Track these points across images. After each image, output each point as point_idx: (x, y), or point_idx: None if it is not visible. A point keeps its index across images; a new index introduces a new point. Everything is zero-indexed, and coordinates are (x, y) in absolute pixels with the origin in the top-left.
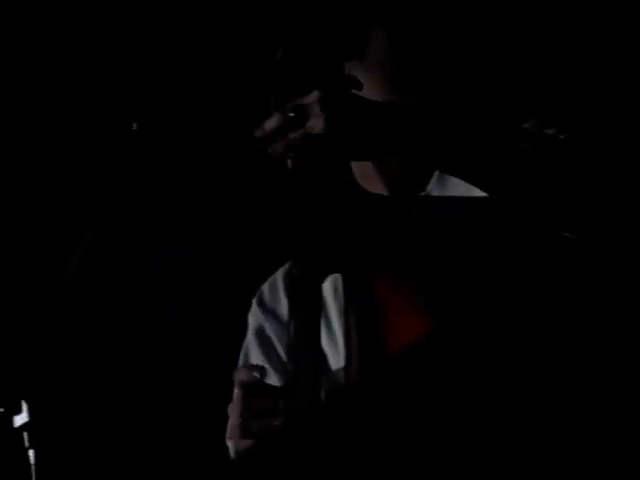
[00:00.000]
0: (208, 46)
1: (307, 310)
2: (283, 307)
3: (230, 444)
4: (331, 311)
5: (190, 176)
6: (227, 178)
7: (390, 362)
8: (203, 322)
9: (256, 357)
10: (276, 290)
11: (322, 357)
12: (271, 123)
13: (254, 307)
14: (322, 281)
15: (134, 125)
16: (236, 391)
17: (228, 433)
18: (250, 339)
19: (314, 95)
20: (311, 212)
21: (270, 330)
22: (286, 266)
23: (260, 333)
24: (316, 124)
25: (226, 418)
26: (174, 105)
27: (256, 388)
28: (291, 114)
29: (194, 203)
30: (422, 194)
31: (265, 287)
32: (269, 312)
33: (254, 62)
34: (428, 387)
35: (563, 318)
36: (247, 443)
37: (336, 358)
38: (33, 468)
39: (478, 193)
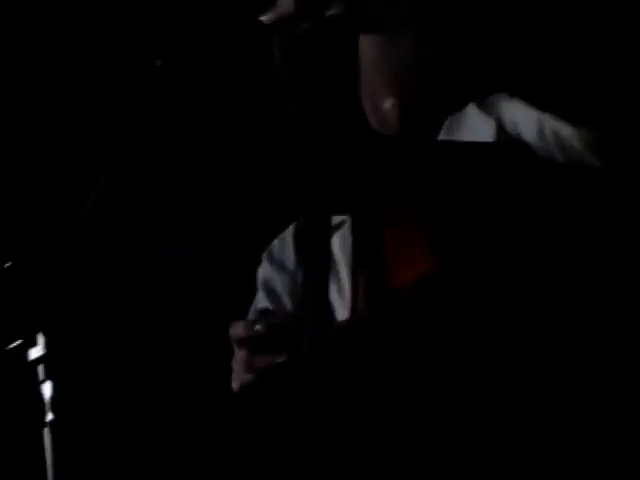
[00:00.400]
0: (208, 46)
1: (315, 260)
2: (290, 261)
3: (235, 384)
4: (339, 263)
5: (190, 176)
6: (227, 178)
7: (392, 300)
8: (203, 322)
9: (260, 307)
10: (285, 245)
11: (329, 308)
12: (282, 9)
13: (263, 262)
14: (330, 229)
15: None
16: (242, 332)
17: (233, 375)
18: (259, 293)
19: None
20: (318, 154)
21: (277, 282)
22: (294, 225)
23: (267, 285)
24: None
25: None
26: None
27: (263, 328)
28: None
29: (194, 203)
30: (434, 138)
31: (275, 242)
32: (277, 265)
33: (254, 62)
34: (430, 326)
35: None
36: (250, 377)
37: (344, 311)
38: (48, 401)
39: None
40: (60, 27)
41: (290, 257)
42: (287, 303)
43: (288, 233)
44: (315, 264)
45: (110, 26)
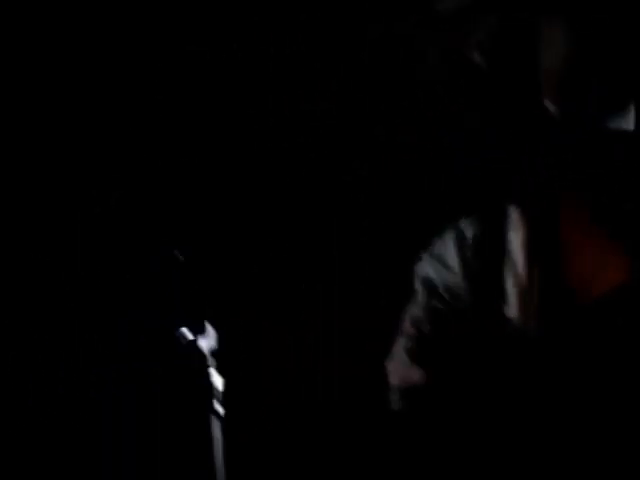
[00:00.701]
0: (208, 47)
1: (490, 251)
2: (450, 255)
3: (394, 376)
4: (517, 256)
5: (191, 176)
6: (227, 179)
7: (577, 311)
8: (203, 322)
9: (421, 303)
10: (445, 241)
11: (504, 299)
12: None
13: (424, 258)
14: (505, 222)
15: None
16: (406, 325)
17: (392, 366)
18: (417, 286)
19: None
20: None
21: (435, 276)
22: (456, 225)
23: (425, 280)
24: None
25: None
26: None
27: (429, 319)
28: None
29: (194, 203)
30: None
31: (436, 241)
32: (435, 260)
33: (254, 62)
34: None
35: None
36: (417, 373)
37: (518, 303)
38: (219, 393)
39: None
40: (60, 27)
41: (450, 254)
42: (446, 298)
43: (449, 234)
44: (491, 255)
45: (111, 26)
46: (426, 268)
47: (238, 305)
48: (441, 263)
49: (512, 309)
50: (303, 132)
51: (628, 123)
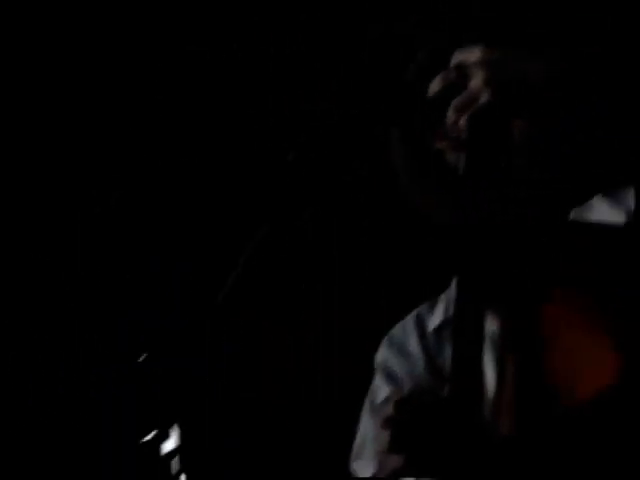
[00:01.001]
0: (208, 47)
1: (469, 337)
2: (412, 345)
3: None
4: (490, 341)
5: (190, 176)
6: (227, 179)
7: (567, 414)
8: (203, 322)
9: (382, 391)
10: (405, 330)
11: (481, 385)
12: (434, 87)
13: (382, 347)
14: (484, 307)
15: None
16: (392, 413)
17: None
18: (377, 376)
19: (475, 54)
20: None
21: (397, 366)
22: (416, 311)
23: (387, 369)
24: (476, 85)
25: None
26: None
27: (404, 404)
28: (453, 74)
29: (194, 203)
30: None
31: (395, 329)
32: (396, 349)
33: (254, 63)
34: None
35: None
36: (396, 460)
37: (491, 393)
38: None
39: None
40: (60, 27)
41: (412, 341)
42: (408, 387)
43: (409, 320)
44: (468, 338)
45: (111, 26)
46: (386, 357)
47: (238, 305)
48: (402, 353)
49: (485, 407)
50: (303, 132)
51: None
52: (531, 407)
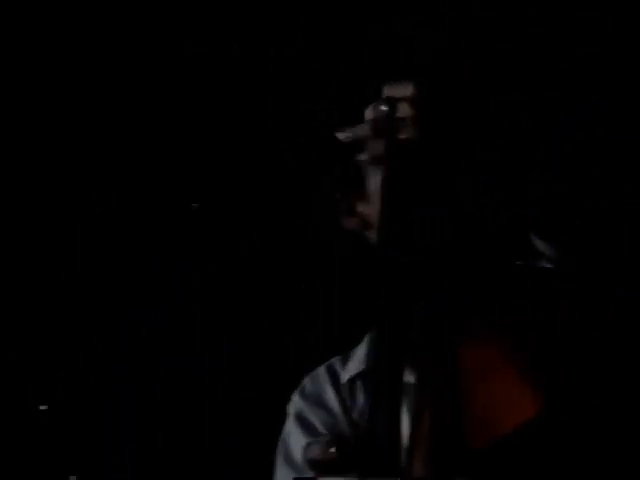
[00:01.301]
0: (208, 47)
1: (386, 388)
2: (328, 396)
3: None
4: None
5: (190, 176)
6: (227, 178)
7: (478, 454)
8: (202, 322)
9: (298, 441)
10: (319, 381)
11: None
12: (360, 131)
13: (295, 398)
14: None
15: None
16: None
17: None
18: (290, 426)
19: (407, 88)
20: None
21: (313, 416)
22: (329, 362)
23: (303, 420)
24: (406, 125)
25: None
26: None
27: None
28: (383, 108)
29: (194, 203)
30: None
31: (306, 380)
32: (311, 400)
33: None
34: None
35: None
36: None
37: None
38: None
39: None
40: (60, 27)
41: (326, 392)
42: (325, 437)
43: (321, 370)
44: (386, 388)
45: (111, 26)
46: (301, 408)
47: (238, 305)
48: (318, 404)
49: (404, 455)
50: (303, 132)
51: None
52: (445, 452)
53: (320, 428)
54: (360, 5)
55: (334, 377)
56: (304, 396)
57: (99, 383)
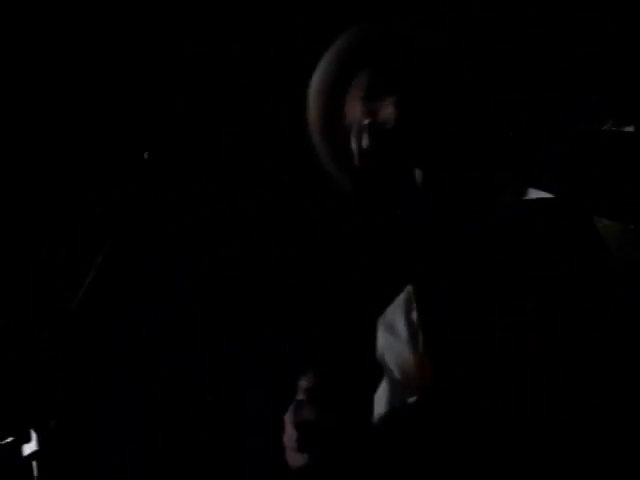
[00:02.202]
0: (208, 47)
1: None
2: (399, 325)
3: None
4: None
5: (190, 176)
6: (227, 178)
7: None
8: (202, 322)
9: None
10: (396, 309)
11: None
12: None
13: (378, 328)
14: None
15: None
16: (299, 396)
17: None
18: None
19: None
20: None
21: (387, 349)
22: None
23: (380, 355)
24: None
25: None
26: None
27: (320, 394)
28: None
29: (194, 203)
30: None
31: (389, 308)
32: (387, 329)
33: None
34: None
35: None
36: (302, 459)
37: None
38: None
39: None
40: (59, 27)
41: (399, 321)
42: (395, 373)
43: (401, 297)
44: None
45: (111, 26)
46: (379, 340)
47: (238, 305)
48: (391, 332)
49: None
50: (303, 132)
51: None
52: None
53: (393, 365)
54: (360, 5)
55: (409, 299)
56: (382, 325)
57: (99, 383)
